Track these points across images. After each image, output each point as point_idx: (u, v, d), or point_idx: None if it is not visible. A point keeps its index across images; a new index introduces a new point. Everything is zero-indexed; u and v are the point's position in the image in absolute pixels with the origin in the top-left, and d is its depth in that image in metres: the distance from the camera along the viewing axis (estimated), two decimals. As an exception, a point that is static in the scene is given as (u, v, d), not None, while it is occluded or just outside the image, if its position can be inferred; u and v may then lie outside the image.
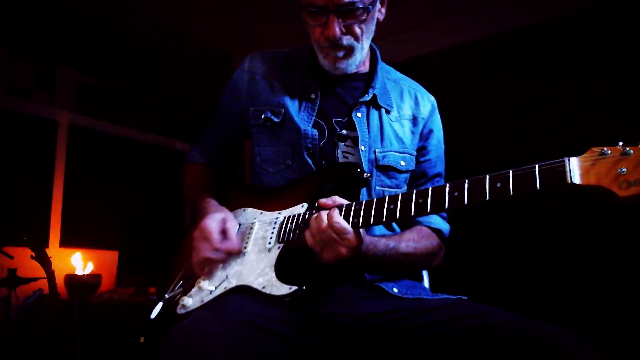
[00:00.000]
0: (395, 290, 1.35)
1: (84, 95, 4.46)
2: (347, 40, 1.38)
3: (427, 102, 1.56)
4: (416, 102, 1.54)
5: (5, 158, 3.84)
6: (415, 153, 1.51)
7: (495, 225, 3.23)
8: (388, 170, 1.45)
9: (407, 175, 1.50)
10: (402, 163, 1.47)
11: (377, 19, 1.45)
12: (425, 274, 1.59)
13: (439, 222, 1.48)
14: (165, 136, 5.00)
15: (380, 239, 1.34)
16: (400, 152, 1.47)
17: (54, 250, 4.02)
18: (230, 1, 3.75)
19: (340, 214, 1.20)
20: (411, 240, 1.39)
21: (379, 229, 1.43)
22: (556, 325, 1.09)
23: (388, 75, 1.57)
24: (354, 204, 1.21)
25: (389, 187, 1.46)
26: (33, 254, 3.09)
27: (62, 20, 3.94)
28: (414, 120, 1.52)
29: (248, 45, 1.65)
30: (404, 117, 1.51)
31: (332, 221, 1.17)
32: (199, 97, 4.37)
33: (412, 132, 1.51)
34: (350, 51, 1.40)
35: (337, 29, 1.34)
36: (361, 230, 1.21)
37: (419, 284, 1.46)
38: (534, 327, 1.09)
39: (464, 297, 1.34)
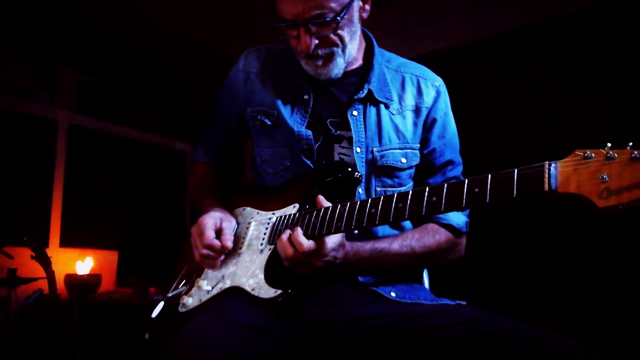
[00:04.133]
0: (393, 294, 1.32)
1: (84, 95, 4.46)
2: (323, 50, 1.34)
3: (432, 88, 1.46)
4: (419, 91, 1.45)
5: (5, 158, 3.84)
6: (418, 146, 1.44)
7: (495, 230, 3.23)
8: (388, 170, 1.39)
9: (410, 171, 1.44)
10: (403, 160, 1.40)
11: (361, 17, 1.39)
12: (425, 277, 1.55)
13: (450, 216, 1.39)
14: (165, 136, 5.00)
15: (366, 243, 1.30)
16: (400, 149, 1.40)
17: (54, 250, 4.02)
18: (230, 1, 3.75)
19: (325, 218, 1.18)
20: (408, 239, 1.34)
21: (381, 230, 1.40)
22: (557, 331, 1.07)
23: (388, 63, 1.49)
24: (338, 206, 1.18)
25: (390, 186, 1.41)
26: (33, 254, 3.08)
27: (62, 20, 3.94)
28: (417, 111, 1.44)
29: (248, 45, 1.64)
30: (406, 109, 1.43)
31: (300, 250, 1.16)
32: (199, 97, 4.37)
33: (415, 124, 1.43)
34: (329, 58, 1.36)
35: (309, 42, 1.30)
36: (334, 237, 1.19)
37: (417, 286, 1.42)
38: (533, 334, 1.07)
39: (462, 303, 1.32)
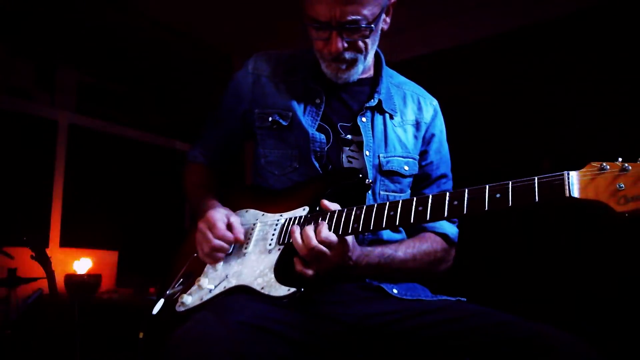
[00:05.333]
0: (395, 291, 1.35)
1: (84, 95, 4.47)
2: (349, 54, 1.38)
3: (430, 107, 1.56)
4: (419, 107, 1.55)
5: (5, 158, 3.85)
6: (418, 157, 1.51)
7: (494, 227, 3.23)
8: (392, 175, 1.45)
9: (410, 180, 1.50)
10: (406, 168, 1.47)
11: (382, 28, 1.45)
12: None
13: (444, 226, 1.47)
14: (165, 136, 5.00)
15: (375, 249, 1.34)
16: (403, 157, 1.47)
17: (54, 250, 4.02)
18: (230, 1, 3.76)
19: (341, 219, 1.21)
20: (410, 247, 1.39)
21: (386, 233, 1.44)
22: (553, 325, 1.10)
23: (391, 79, 1.57)
24: (354, 208, 1.22)
25: (393, 191, 1.46)
26: (33, 254, 3.09)
27: (63, 20, 3.94)
28: (417, 125, 1.52)
29: (248, 45, 1.64)
30: (407, 123, 1.52)
31: (321, 238, 1.18)
32: (199, 97, 4.38)
33: (415, 137, 1.51)
34: (352, 63, 1.41)
35: (340, 45, 1.35)
36: (350, 238, 1.22)
37: (419, 286, 1.46)
38: (530, 327, 1.10)
39: (463, 299, 1.34)
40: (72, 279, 3.75)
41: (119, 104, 4.71)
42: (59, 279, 3.38)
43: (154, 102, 4.93)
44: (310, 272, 1.22)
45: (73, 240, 4.17)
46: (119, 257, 4.17)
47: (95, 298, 3.71)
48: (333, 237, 1.19)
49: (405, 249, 1.38)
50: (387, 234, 1.44)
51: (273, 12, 3.73)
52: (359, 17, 1.31)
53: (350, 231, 1.20)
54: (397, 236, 1.47)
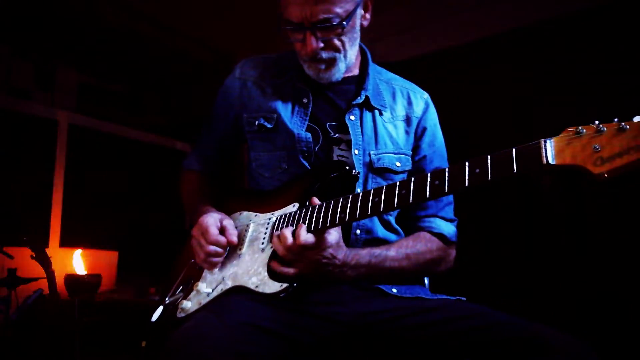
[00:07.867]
0: (394, 290, 1.35)
1: (84, 95, 4.47)
2: (326, 54, 1.39)
3: (420, 100, 1.55)
4: (409, 102, 1.54)
5: (5, 158, 3.85)
6: (410, 153, 1.51)
7: (495, 225, 3.23)
8: (384, 172, 1.45)
9: (404, 176, 1.49)
10: (398, 164, 1.46)
11: (361, 25, 1.45)
12: (425, 278, 1.57)
13: (441, 225, 1.46)
14: (165, 136, 5.00)
15: (363, 249, 1.34)
16: (395, 153, 1.47)
17: (54, 250, 4.02)
18: (230, 1, 3.75)
19: (328, 211, 1.22)
20: (403, 247, 1.38)
21: (381, 231, 1.43)
22: (553, 326, 1.10)
23: (379, 75, 1.57)
24: (340, 199, 1.22)
25: None
26: (33, 254, 3.08)
27: (63, 20, 3.94)
28: (408, 120, 1.51)
29: (248, 45, 1.65)
30: (398, 118, 1.51)
31: (298, 241, 1.19)
32: (199, 97, 4.37)
33: (407, 132, 1.50)
34: (331, 63, 1.41)
35: (315, 45, 1.36)
36: (333, 237, 1.22)
37: (418, 286, 1.45)
38: (530, 328, 1.10)
39: (463, 298, 1.34)
40: (72, 279, 3.74)
41: (119, 104, 4.71)
42: (59, 279, 3.37)
43: (154, 102, 4.93)
44: (291, 271, 1.23)
45: (73, 240, 4.17)
46: (119, 257, 4.16)
47: (95, 298, 3.71)
48: (304, 235, 1.19)
49: (397, 248, 1.36)
50: (382, 231, 1.44)
51: (273, 12, 3.72)
52: (330, 16, 1.32)
53: (337, 222, 1.19)
54: (393, 235, 1.46)
